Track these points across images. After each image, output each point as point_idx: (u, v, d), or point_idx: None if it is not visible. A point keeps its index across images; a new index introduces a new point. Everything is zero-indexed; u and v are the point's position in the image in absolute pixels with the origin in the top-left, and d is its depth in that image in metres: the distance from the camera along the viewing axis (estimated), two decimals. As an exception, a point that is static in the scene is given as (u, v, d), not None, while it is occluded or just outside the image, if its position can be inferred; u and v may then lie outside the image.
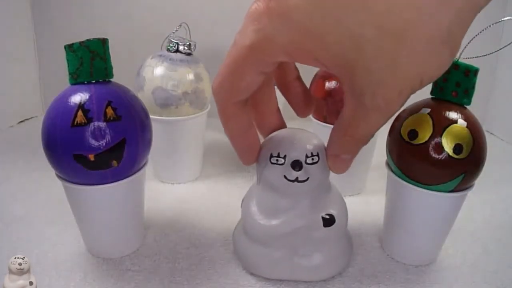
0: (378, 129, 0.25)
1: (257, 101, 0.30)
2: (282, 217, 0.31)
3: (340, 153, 0.28)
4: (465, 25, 0.21)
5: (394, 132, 0.34)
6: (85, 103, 0.30)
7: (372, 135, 0.26)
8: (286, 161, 0.29)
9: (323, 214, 0.31)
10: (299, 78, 0.30)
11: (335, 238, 0.32)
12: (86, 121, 0.30)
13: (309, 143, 0.30)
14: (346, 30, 0.21)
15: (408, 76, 0.21)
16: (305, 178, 0.29)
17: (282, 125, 0.33)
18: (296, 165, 0.29)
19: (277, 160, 0.29)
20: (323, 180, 0.31)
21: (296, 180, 0.29)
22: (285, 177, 0.29)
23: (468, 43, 0.31)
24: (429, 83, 0.23)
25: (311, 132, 0.32)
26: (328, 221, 0.30)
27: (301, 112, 0.32)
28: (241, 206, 0.34)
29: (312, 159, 0.29)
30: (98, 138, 0.30)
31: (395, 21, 0.20)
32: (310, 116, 0.46)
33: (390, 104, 0.23)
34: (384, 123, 0.24)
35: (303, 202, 0.31)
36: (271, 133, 0.32)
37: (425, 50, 0.21)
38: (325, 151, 0.30)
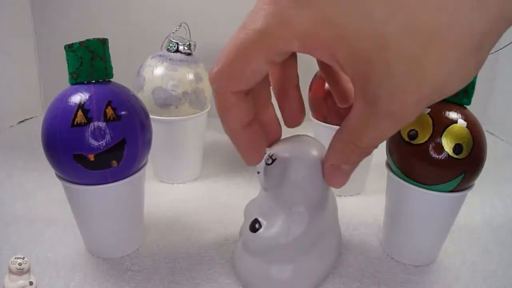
0: (385, 138, 0.23)
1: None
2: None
3: (341, 163, 0.26)
4: (496, 37, 0.19)
5: (394, 132, 0.34)
6: (85, 103, 0.30)
7: (377, 146, 0.24)
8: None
9: (256, 218, 0.31)
10: (297, 86, 0.29)
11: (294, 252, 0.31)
12: (86, 121, 0.30)
13: (285, 147, 0.30)
14: (370, 24, 0.19)
15: (431, 84, 0.20)
16: (258, 171, 0.31)
17: (275, 126, 0.30)
18: (269, 158, 0.30)
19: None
20: (273, 184, 0.30)
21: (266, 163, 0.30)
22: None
23: (468, 43, 0.31)
24: (448, 95, 0.21)
25: (312, 140, 0.31)
26: (251, 227, 0.31)
27: (289, 122, 0.30)
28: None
29: (268, 160, 0.30)
30: (98, 138, 0.30)
31: (425, 21, 0.18)
32: (310, 116, 0.46)
33: (406, 112, 0.21)
34: (394, 132, 0.23)
35: (262, 202, 0.31)
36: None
37: (453, 58, 0.19)
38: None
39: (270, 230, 0.30)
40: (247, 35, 0.22)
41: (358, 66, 0.20)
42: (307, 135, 0.32)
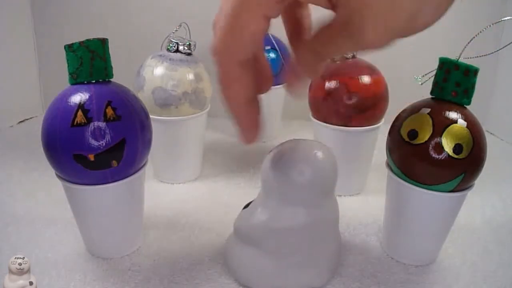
0: (340, 50, 0.23)
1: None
2: None
3: (298, 63, 0.24)
4: None
5: (394, 132, 0.34)
6: (85, 103, 0.30)
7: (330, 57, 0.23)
8: None
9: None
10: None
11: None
12: (86, 121, 0.30)
13: (290, 147, 0.31)
14: None
15: (403, 10, 0.20)
16: None
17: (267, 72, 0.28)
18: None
19: None
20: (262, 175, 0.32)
21: None
22: None
23: (468, 43, 0.31)
24: (421, 29, 0.21)
25: (316, 143, 0.32)
26: (245, 206, 0.33)
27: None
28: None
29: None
30: (98, 138, 0.30)
31: None
32: (310, 116, 0.46)
33: (377, 35, 0.21)
34: (351, 47, 0.22)
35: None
36: None
37: None
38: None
39: (251, 213, 0.32)
40: None
41: None
42: (322, 144, 0.32)
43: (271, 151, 0.31)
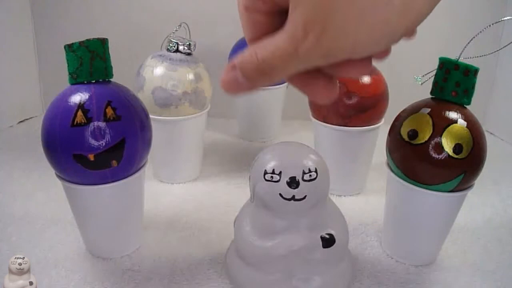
0: (281, 64, 0.22)
1: None
2: (278, 238, 0.29)
3: (238, 65, 0.24)
4: None
5: (394, 132, 0.34)
6: (84, 103, 0.30)
7: (271, 66, 0.22)
8: (281, 178, 0.27)
9: (323, 234, 0.29)
10: None
11: (335, 260, 0.30)
12: (86, 121, 0.30)
13: (306, 158, 0.28)
14: None
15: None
16: (302, 197, 0.27)
17: None
18: (293, 182, 0.27)
19: (271, 177, 0.27)
20: (321, 197, 0.29)
21: (293, 198, 0.27)
22: (280, 195, 0.28)
23: (468, 43, 0.31)
24: (361, 51, 0.20)
25: (308, 146, 0.30)
26: (328, 241, 0.29)
27: None
28: (234, 226, 0.32)
29: (310, 175, 0.28)
30: (98, 138, 0.30)
31: None
32: (310, 116, 0.46)
33: (305, 39, 0.19)
34: (288, 56, 0.21)
35: (300, 221, 0.29)
36: None
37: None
38: (321, 164, 0.28)
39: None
40: None
41: None
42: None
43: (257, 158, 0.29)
